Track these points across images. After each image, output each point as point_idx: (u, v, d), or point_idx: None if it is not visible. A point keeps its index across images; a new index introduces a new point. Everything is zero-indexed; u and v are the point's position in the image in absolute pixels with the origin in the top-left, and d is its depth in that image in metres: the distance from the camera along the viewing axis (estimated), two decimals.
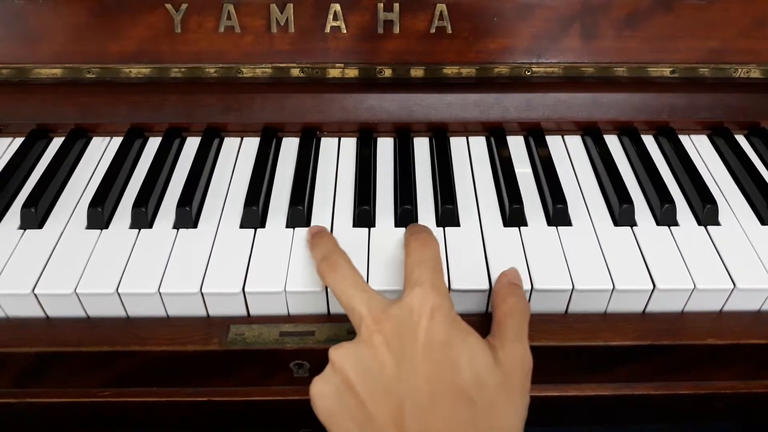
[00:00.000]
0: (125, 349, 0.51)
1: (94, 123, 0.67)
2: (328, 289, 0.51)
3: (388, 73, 0.65)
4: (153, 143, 0.66)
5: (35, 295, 0.51)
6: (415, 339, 0.43)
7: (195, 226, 0.57)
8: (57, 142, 0.66)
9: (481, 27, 0.62)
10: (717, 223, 0.58)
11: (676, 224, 0.58)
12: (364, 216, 0.57)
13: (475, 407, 0.42)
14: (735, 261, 0.54)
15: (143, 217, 0.56)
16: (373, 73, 0.65)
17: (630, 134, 0.67)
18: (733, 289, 0.52)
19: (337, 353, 0.44)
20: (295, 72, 0.65)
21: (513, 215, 0.57)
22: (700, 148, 0.67)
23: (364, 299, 0.45)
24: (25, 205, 0.57)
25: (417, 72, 0.66)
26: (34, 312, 0.52)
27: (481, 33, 0.63)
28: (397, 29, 0.63)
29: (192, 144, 0.66)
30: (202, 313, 0.53)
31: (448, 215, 0.57)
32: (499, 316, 0.48)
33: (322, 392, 0.44)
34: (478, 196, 0.60)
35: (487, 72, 0.65)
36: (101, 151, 0.66)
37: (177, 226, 0.57)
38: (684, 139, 0.67)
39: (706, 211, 0.58)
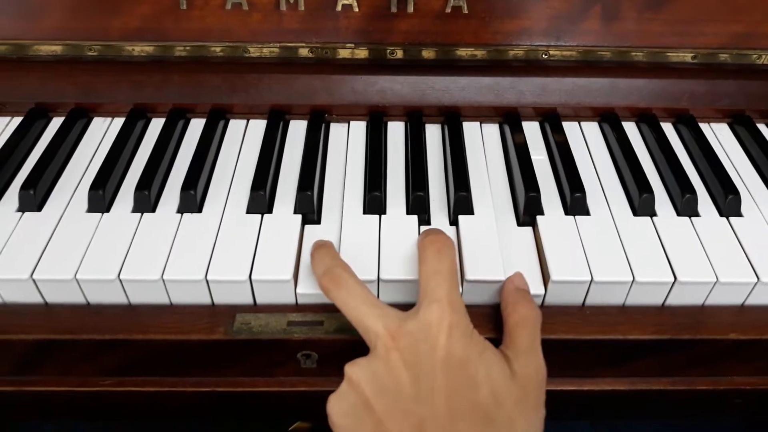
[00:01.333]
0: (127, 337, 0.49)
1: (95, 102, 0.65)
2: None
3: (400, 54, 0.63)
4: (156, 124, 0.64)
5: (34, 280, 0.49)
6: (434, 356, 0.42)
7: (200, 210, 0.55)
8: (57, 122, 0.64)
9: (499, 7, 0.60)
10: (739, 215, 0.56)
11: (697, 215, 0.56)
12: (375, 202, 0.55)
13: (493, 426, 0.41)
14: (758, 254, 0.52)
15: (146, 200, 0.54)
16: (384, 54, 0.63)
17: (648, 121, 0.65)
18: (756, 283, 0.50)
19: (353, 370, 0.43)
20: (304, 52, 0.63)
21: (529, 203, 0.55)
22: (720, 136, 0.65)
23: (378, 316, 0.44)
24: (24, 187, 0.55)
25: (430, 53, 0.63)
26: (33, 298, 0.50)
27: (498, 13, 0.60)
28: (411, 8, 0.60)
29: (196, 125, 0.64)
30: (206, 301, 0.51)
31: (462, 203, 0.55)
32: (511, 326, 0.46)
33: (339, 410, 0.43)
34: (492, 183, 0.58)
35: (502, 54, 0.63)
36: (102, 132, 0.64)
37: (181, 210, 0.55)
38: (704, 127, 0.65)
39: (728, 202, 0.56)
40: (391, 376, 0.42)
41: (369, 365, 0.43)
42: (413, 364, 0.42)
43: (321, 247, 0.50)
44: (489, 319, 0.50)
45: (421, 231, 0.51)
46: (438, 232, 0.48)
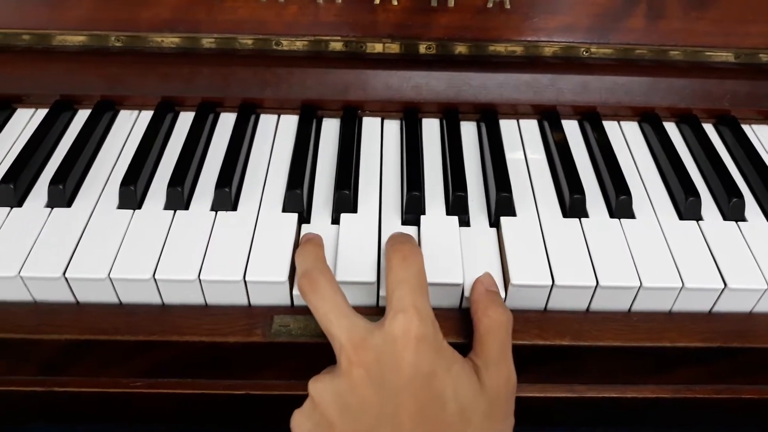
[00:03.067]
0: (162, 339, 0.47)
1: (121, 95, 0.63)
2: (379, 280, 0.48)
3: (438, 49, 0.61)
4: (184, 118, 0.62)
5: (66, 278, 0.47)
6: (399, 373, 0.40)
7: (235, 208, 0.53)
8: (83, 115, 0.62)
9: (542, 3, 0.58)
10: None
11: (743, 219, 0.54)
12: (414, 203, 0.53)
13: None
14: None
15: (179, 197, 0.53)
16: (422, 49, 0.62)
17: (689, 122, 0.63)
18: None
19: (316, 387, 0.42)
20: (339, 46, 0.61)
21: (574, 205, 0.53)
22: (762, 138, 0.63)
23: (344, 326, 0.42)
24: (53, 182, 0.53)
25: (468, 49, 0.62)
26: (64, 297, 0.49)
27: (541, 9, 0.59)
28: (452, 2, 0.58)
29: (226, 120, 0.62)
30: (243, 302, 0.49)
31: (504, 204, 0.53)
32: (481, 332, 0.44)
33: (302, 428, 0.42)
34: (533, 183, 0.57)
35: (542, 51, 0.62)
36: (130, 125, 0.62)
37: (215, 208, 0.53)
38: (745, 128, 0.64)
39: None
40: (355, 395, 0.40)
41: (332, 383, 0.41)
42: (378, 382, 0.40)
43: (308, 242, 0.48)
44: (535, 324, 0.49)
45: (389, 236, 0.48)
46: (403, 239, 0.46)
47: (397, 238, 0.47)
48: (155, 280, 0.48)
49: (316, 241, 0.49)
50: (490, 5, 0.59)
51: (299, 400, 0.52)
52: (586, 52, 0.62)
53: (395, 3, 0.59)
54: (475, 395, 0.41)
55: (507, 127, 0.62)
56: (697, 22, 0.60)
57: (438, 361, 0.41)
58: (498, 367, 0.43)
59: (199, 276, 0.47)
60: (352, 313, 0.43)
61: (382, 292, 0.48)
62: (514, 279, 0.48)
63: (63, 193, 0.53)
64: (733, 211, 0.54)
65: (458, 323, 0.48)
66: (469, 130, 0.63)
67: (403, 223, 0.53)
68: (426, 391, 0.40)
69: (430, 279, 0.47)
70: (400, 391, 0.40)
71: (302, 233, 0.51)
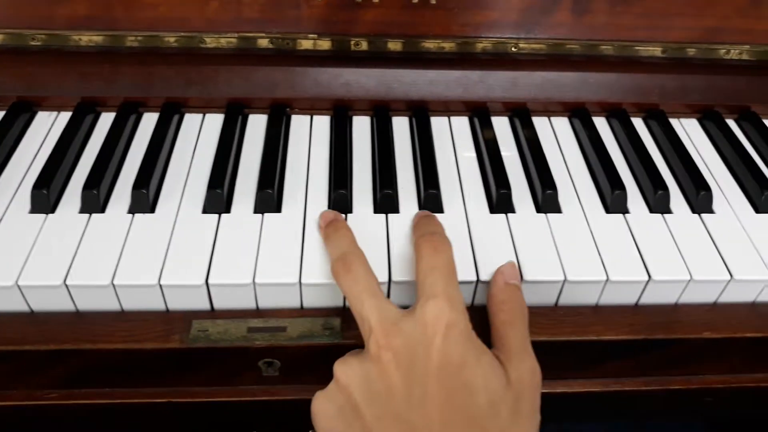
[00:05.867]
0: (75, 347, 0.45)
1: (39, 96, 0.61)
2: (302, 282, 0.47)
3: (365, 46, 0.61)
4: (106, 119, 0.60)
5: None
6: (428, 360, 0.39)
7: (152, 210, 0.51)
8: None
9: None
10: (711, 211, 0.55)
11: (669, 212, 0.55)
12: (341, 201, 0.52)
13: None
14: (730, 250, 0.51)
15: (95, 200, 0.51)
16: (349, 45, 0.61)
17: (619, 117, 0.63)
18: (729, 281, 0.49)
19: (343, 369, 0.41)
20: (264, 43, 0.60)
21: (500, 201, 0.53)
22: (690, 132, 0.64)
23: (375, 307, 0.41)
24: None
25: (397, 45, 0.61)
26: None
27: (467, 4, 0.58)
28: None
29: (149, 120, 0.60)
30: (160, 307, 0.48)
31: (432, 201, 0.53)
32: (499, 326, 0.44)
33: (325, 411, 0.41)
34: (462, 180, 0.56)
35: (471, 47, 0.61)
36: (47, 127, 0.60)
37: (133, 210, 0.51)
38: (673, 122, 0.64)
39: (700, 199, 0.55)
40: (383, 380, 0.39)
41: (360, 366, 0.40)
42: (406, 368, 0.39)
43: (340, 228, 0.47)
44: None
45: (414, 218, 0.50)
46: (432, 228, 0.46)
47: (426, 227, 0.46)
48: (66, 286, 0.46)
49: (343, 224, 0.48)
50: (415, 0, 0.58)
51: (222, 407, 0.51)
52: (515, 47, 0.61)
53: None
54: (504, 389, 0.40)
55: (438, 124, 0.62)
56: (622, 16, 0.60)
57: (468, 351, 0.40)
58: (521, 360, 0.42)
59: (112, 281, 0.46)
60: (384, 297, 0.42)
61: (304, 297, 0.48)
62: None
63: None
64: (658, 203, 0.54)
65: None
66: (401, 127, 0.62)
67: None
68: (455, 380, 0.39)
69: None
70: (429, 378, 0.38)
71: (222, 225, 0.50)
